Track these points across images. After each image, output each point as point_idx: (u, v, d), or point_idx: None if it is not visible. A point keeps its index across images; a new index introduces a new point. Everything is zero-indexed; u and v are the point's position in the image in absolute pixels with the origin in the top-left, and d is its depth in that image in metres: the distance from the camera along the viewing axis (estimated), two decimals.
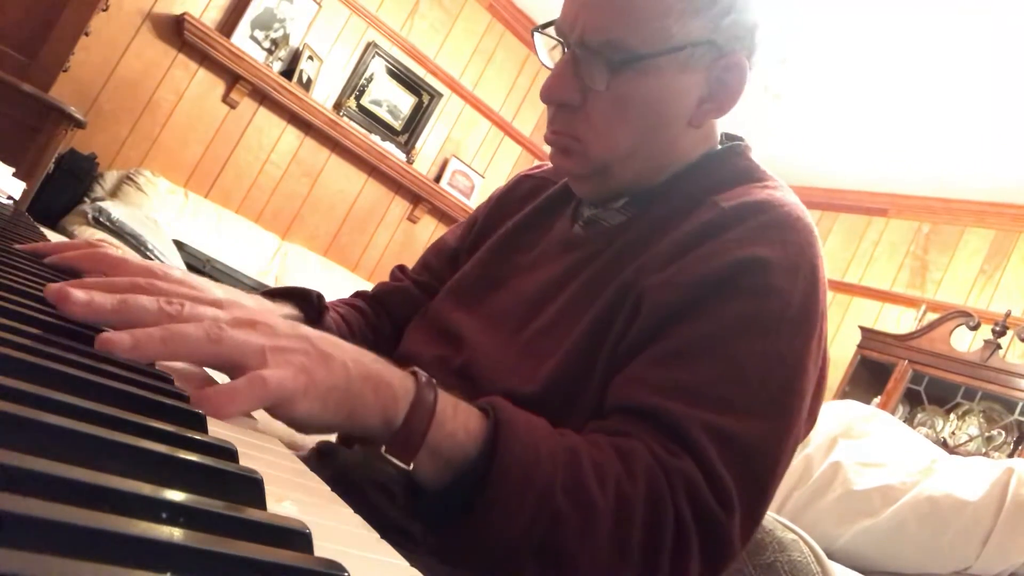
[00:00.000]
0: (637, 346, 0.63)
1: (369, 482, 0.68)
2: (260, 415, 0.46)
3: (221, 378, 0.43)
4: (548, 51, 0.78)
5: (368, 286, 3.66)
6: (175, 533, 0.19)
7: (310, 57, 3.61)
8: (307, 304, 0.79)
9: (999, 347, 3.30)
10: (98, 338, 0.35)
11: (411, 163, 4.00)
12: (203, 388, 0.38)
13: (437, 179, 4.15)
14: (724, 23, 0.68)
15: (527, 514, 0.48)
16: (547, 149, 0.77)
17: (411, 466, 0.48)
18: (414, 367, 0.51)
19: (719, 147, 0.77)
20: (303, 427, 0.44)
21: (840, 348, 3.99)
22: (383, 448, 0.47)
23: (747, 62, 0.70)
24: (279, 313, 0.74)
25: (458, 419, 0.50)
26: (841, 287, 4.26)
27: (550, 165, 0.86)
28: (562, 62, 0.70)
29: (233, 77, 3.43)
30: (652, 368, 0.60)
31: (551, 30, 0.73)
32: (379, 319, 0.92)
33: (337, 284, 3.71)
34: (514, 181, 0.95)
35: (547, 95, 0.71)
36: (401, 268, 0.98)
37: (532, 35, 0.78)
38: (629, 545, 0.51)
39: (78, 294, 0.38)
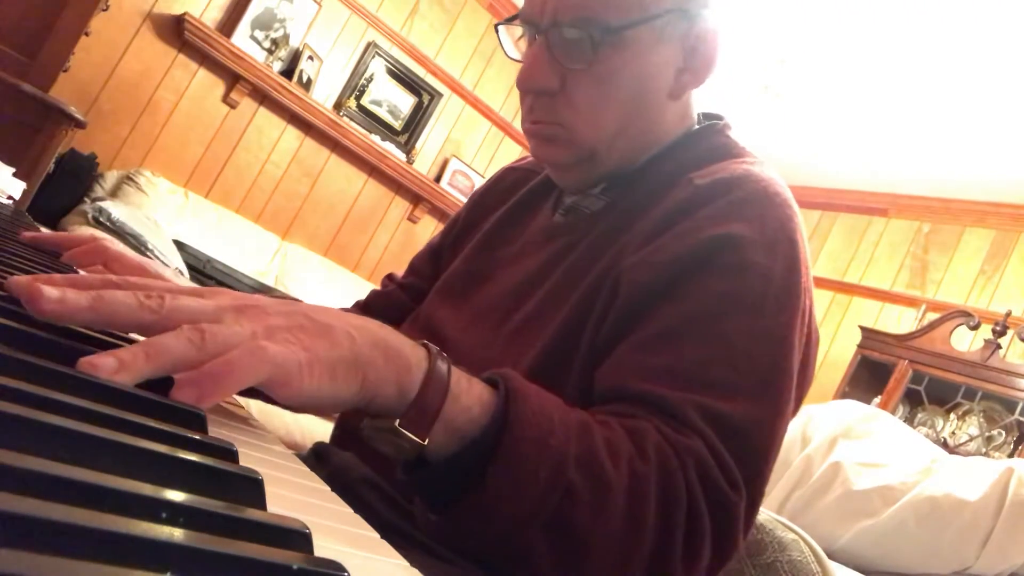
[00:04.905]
0: (617, 329, 0.62)
1: (364, 482, 0.68)
2: (259, 414, 0.46)
3: None
4: (514, 42, 0.76)
5: (368, 286, 3.66)
6: (175, 533, 0.19)
7: (310, 57, 3.61)
8: None
9: (999, 347, 3.29)
10: (80, 362, 0.31)
11: (411, 163, 4.00)
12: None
13: (437, 179, 4.15)
14: None
15: (540, 486, 0.46)
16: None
17: (426, 441, 0.44)
18: (423, 339, 0.49)
19: (697, 127, 0.77)
20: (314, 406, 0.40)
21: (840, 348, 3.99)
22: (396, 422, 0.44)
23: (719, 28, 0.70)
24: None
25: (472, 392, 0.47)
26: (841, 287, 4.25)
27: None
28: (535, 48, 0.69)
29: (233, 77, 3.43)
30: (637, 353, 0.59)
31: (516, 22, 0.72)
32: None
33: (337, 284, 3.71)
34: (498, 174, 0.94)
35: (525, 83, 0.70)
36: (390, 276, 0.98)
37: (496, 30, 0.76)
38: (643, 523, 0.49)
39: (50, 291, 0.34)
